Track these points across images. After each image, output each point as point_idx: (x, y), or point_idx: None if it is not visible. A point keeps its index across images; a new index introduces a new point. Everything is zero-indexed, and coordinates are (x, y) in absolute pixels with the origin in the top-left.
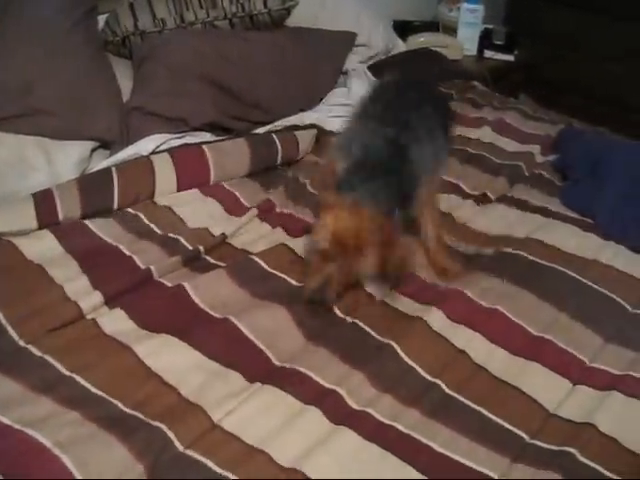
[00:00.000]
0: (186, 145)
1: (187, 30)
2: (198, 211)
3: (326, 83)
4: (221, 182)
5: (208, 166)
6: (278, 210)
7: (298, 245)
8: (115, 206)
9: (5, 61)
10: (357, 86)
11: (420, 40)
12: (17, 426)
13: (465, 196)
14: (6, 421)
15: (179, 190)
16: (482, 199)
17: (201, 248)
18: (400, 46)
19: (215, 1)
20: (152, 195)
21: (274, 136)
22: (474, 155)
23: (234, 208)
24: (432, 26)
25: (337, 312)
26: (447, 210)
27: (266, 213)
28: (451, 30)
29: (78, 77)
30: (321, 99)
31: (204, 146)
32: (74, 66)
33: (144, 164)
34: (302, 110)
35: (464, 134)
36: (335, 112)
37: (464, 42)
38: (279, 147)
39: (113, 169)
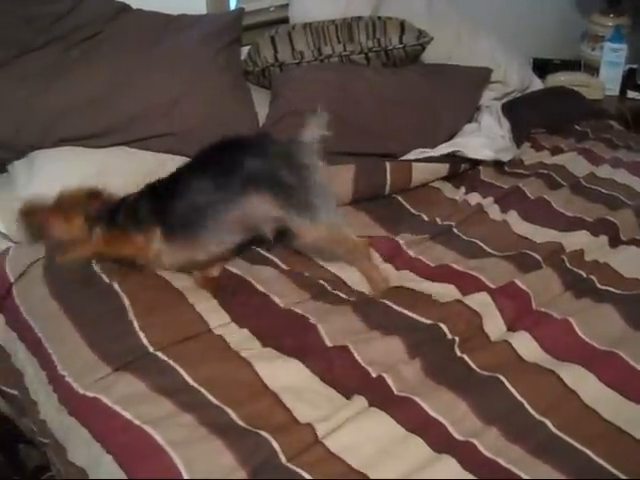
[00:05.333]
0: None
1: (324, 63)
2: None
3: (459, 118)
4: None
5: None
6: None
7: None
8: None
9: (151, 85)
10: (487, 122)
11: (560, 79)
12: (136, 422)
13: (594, 233)
14: (128, 416)
15: None
16: (613, 240)
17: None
18: (537, 84)
19: (352, 36)
20: None
21: (386, 163)
22: (606, 195)
23: None
24: (573, 65)
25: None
26: (578, 247)
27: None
28: (593, 69)
29: (218, 99)
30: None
31: None
32: (215, 89)
33: None
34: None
35: (597, 174)
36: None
37: (606, 82)
38: (388, 175)
39: None
